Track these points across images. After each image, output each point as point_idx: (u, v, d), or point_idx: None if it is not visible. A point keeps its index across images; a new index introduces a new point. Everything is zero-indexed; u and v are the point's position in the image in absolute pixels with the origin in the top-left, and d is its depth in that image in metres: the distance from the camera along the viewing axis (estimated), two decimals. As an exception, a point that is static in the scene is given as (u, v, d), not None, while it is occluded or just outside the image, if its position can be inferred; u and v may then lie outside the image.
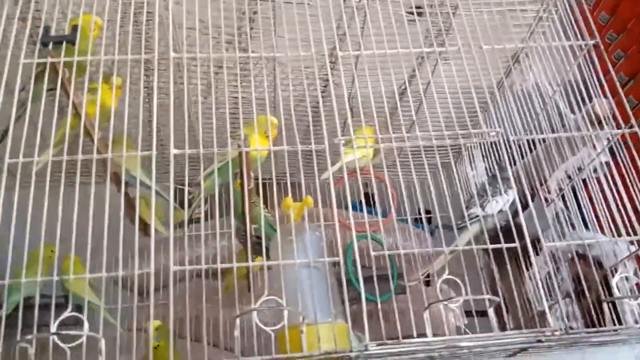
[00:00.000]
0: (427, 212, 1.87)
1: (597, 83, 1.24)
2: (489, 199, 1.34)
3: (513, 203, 1.34)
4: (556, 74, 1.34)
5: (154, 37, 1.17)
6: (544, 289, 1.01)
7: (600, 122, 1.25)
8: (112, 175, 1.24)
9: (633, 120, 1.13)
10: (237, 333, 0.91)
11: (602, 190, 1.26)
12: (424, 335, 0.94)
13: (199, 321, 1.17)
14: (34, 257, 1.15)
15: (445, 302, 0.96)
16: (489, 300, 0.97)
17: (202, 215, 1.02)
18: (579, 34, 1.25)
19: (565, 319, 1.06)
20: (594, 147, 1.28)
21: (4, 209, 0.97)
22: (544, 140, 1.45)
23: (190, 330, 1.34)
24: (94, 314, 1.31)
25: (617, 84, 1.19)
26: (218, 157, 1.09)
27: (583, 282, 1.16)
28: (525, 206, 1.08)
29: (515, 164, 1.13)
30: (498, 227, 1.07)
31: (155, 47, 1.05)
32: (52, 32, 1.12)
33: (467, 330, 1.63)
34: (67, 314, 0.93)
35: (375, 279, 1.00)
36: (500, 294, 1.05)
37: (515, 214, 1.08)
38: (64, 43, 1.08)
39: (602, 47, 1.22)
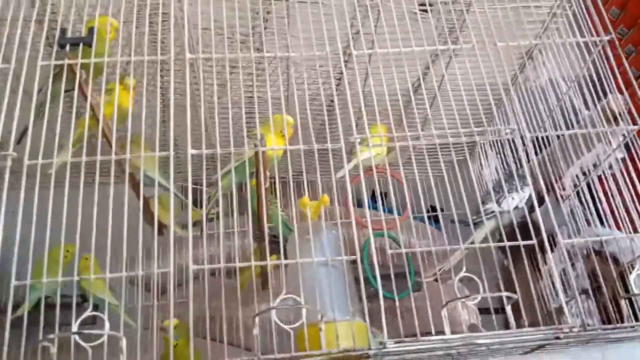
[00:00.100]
0: (438, 209, 1.87)
1: (612, 79, 1.24)
2: (505, 195, 1.34)
3: (529, 199, 1.33)
4: (570, 70, 1.34)
5: (168, 38, 1.17)
6: (562, 285, 1.01)
7: (615, 118, 1.25)
8: (128, 176, 1.25)
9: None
10: (256, 331, 0.92)
11: (618, 186, 1.26)
12: (440, 332, 0.94)
13: (214, 320, 1.17)
14: (51, 257, 1.16)
15: (463, 300, 0.96)
16: (507, 297, 0.97)
17: (221, 214, 1.03)
18: (592, 29, 1.25)
19: (583, 316, 1.05)
20: (610, 143, 1.27)
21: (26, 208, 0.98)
22: (558, 136, 1.45)
23: (208, 328, 1.34)
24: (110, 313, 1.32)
25: (633, 79, 1.19)
26: (234, 156, 1.09)
27: (600, 279, 1.16)
28: (540, 202, 1.08)
29: (529, 160, 1.13)
30: (514, 223, 1.07)
31: (172, 48, 1.06)
32: (69, 34, 1.12)
33: (481, 327, 1.62)
34: (87, 313, 0.93)
35: (392, 276, 1.00)
36: (517, 290, 1.04)
37: (531, 210, 1.08)
38: (81, 45, 1.09)
39: (617, 42, 1.22)
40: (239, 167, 1.17)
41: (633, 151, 1.21)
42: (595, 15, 1.25)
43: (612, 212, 1.24)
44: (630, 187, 1.20)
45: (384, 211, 1.85)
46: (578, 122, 1.35)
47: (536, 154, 1.40)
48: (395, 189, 1.58)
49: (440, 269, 1.24)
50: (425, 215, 1.14)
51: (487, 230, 1.16)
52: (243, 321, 1.58)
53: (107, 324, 0.91)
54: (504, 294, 0.97)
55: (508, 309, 0.97)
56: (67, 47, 1.09)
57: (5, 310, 0.94)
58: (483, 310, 1.65)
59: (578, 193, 1.47)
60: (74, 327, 0.90)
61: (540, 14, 1.38)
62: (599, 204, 1.39)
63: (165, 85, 1.42)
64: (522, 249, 1.01)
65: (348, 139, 1.09)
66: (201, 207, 1.33)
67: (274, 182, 1.21)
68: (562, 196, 1.47)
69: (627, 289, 1.19)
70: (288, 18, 1.25)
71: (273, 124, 1.16)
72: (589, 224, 1.42)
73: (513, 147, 1.14)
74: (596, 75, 1.27)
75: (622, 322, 1.24)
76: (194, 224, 1.67)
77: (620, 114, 1.22)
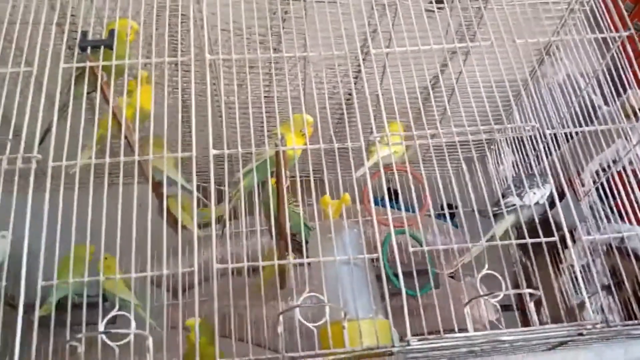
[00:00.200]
0: (459, 205, 1.87)
1: (631, 74, 1.23)
2: (526, 190, 1.34)
3: (549, 196, 1.33)
4: (588, 65, 1.33)
5: (187, 39, 1.18)
6: (583, 282, 1.00)
7: (635, 114, 1.24)
8: (148, 176, 1.26)
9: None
10: (280, 329, 0.93)
11: (638, 182, 1.25)
12: (461, 330, 0.94)
13: (232, 318, 1.18)
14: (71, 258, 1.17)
15: (486, 297, 0.96)
16: (530, 294, 0.97)
17: (243, 213, 1.03)
18: (611, 25, 1.24)
19: (605, 312, 1.05)
20: (630, 139, 1.27)
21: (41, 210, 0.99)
22: (576, 133, 1.44)
23: (227, 327, 1.35)
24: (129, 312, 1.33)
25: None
26: (255, 155, 1.10)
27: (623, 275, 1.15)
28: (561, 198, 1.08)
29: (551, 154, 1.13)
30: (535, 218, 1.07)
31: (192, 49, 1.06)
32: (89, 37, 1.13)
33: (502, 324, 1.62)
34: (114, 312, 0.94)
35: (415, 274, 1.00)
36: (540, 287, 1.04)
37: (551, 205, 1.08)
38: (102, 47, 1.10)
39: (636, 38, 1.21)
40: (260, 166, 1.18)
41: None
42: (613, 11, 1.25)
43: (633, 207, 1.24)
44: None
45: (399, 209, 1.85)
46: (597, 117, 1.34)
47: (556, 149, 1.39)
48: (405, 186, 1.58)
49: (460, 262, 1.23)
50: (447, 212, 1.14)
51: (508, 225, 1.15)
52: (261, 319, 1.59)
53: (133, 323, 0.92)
54: (527, 290, 0.97)
55: (531, 305, 0.97)
56: (89, 50, 1.10)
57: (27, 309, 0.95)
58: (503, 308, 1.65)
59: (597, 189, 1.47)
60: (101, 327, 0.91)
61: (558, 10, 1.37)
62: (618, 200, 1.38)
63: (183, 86, 1.42)
64: (544, 246, 1.01)
65: (367, 138, 1.10)
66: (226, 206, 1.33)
67: (295, 181, 1.21)
68: (581, 192, 1.47)
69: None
70: (306, 18, 1.26)
71: (293, 123, 1.17)
72: (609, 220, 1.41)
73: (533, 144, 1.13)
74: (615, 70, 1.26)
75: (644, 318, 1.24)
76: (209, 224, 1.68)
77: (640, 110, 1.22)
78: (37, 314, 0.92)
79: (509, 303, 1.14)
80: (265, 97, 1.47)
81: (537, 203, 1.34)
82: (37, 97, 1.08)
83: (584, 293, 1.00)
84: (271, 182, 1.21)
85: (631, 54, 1.20)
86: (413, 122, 1.14)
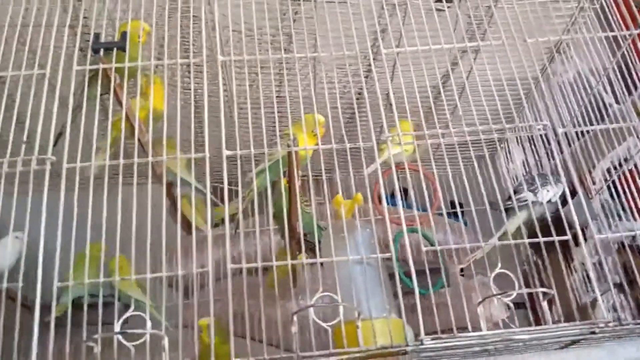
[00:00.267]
0: (471, 202, 1.86)
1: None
2: (538, 187, 1.34)
3: (562, 195, 1.33)
4: (599, 63, 1.33)
5: (198, 40, 1.19)
6: (596, 279, 1.01)
7: (647, 112, 1.24)
8: (159, 177, 1.27)
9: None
10: (294, 329, 0.93)
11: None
12: (467, 329, 0.94)
13: (244, 317, 1.19)
14: (83, 258, 1.18)
15: (499, 296, 0.96)
16: (543, 293, 0.97)
17: (256, 212, 1.04)
18: (621, 23, 1.24)
19: (618, 310, 1.05)
20: (640, 137, 1.26)
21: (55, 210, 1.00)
22: (587, 131, 1.44)
23: (239, 326, 1.36)
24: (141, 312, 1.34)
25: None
26: (267, 156, 1.10)
27: (635, 272, 1.15)
28: (573, 195, 1.08)
29: (562, 152, 1.13)
30: (548, 216, 1.07)
31: (204, 51, 1.07)
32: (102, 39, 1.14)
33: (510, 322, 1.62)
34: (130, 312, 0.95)
35: (427, 272, 1.01)
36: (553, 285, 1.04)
37: (563, 203, 1.08)
38: (115, 49, 1.10)
39: (646, 35, 1.21)
40: (272, 166, 1.18)
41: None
42: (624, 8, 1.25)
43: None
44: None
45: (409, 207, 1.85)
46: (608, 115, 1.34)
47: (568, 147, 1.39)
48: (415, 185, 1.58)
49: (472, 257, 1.23)
50: (459, 210, 1.14)
51: (520, 222, 1.15)
52: (273, 318, 1.60)
53: (148, 323, 0.93)
54: (540, 290, 0.97)
55: (544, 304, 0.97)
56: (101, 52, 1.11)
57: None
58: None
59: (609, 187, 1.46)
60: (117, 327, 0.92)
61: (568, 8, 1.37)
62: (630, 198, 1.38)
63: (194, 87, 1.43)
64: (557, 244, 1.01)
65: (378, 136, 1.10)
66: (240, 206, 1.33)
67: (307, 181, 1.22)
68: (592, 190, 1.47)
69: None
70: (316, 18, 1.26)
71: (305, 124, 1.17)
72: (620, 217, 1.41)
73: (544, 142, 1.13)
74: (626, 68, 1.26)
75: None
76: (218, 224, 1.69)
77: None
78: (53, 314, 0.93)
79: (520, 301, 1.14)
80: (277, 97, 1.48)
81: (549, 201, 1.34)
82: (50, 99, 1.09)
83: (597, 291, 1.00)
84: (283, 182, 1.22)
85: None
86: (424, 120, 1.15)
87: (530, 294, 1.40)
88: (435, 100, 1.51)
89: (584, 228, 1.06)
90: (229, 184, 1.11)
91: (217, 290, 1.06)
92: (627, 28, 1.22)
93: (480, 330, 0.93)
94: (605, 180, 1.48)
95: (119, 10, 1.16)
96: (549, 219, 1.05)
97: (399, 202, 1.04)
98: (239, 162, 1.01)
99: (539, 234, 1.02)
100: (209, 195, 0.99)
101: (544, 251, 1.01)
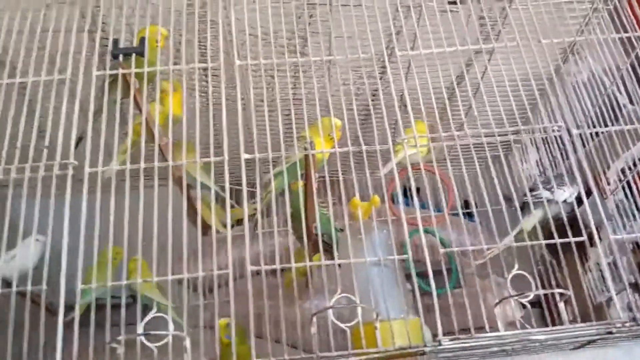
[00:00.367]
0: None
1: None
2: (554, 187, 1.34)
3: (577, 196, 1.34)
4: (613, 64, 1.33)
5: (214, 45, 1.20)
6: (612, 279, 1.01)
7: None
8: (177, 179, 1.28)
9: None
10: (313, 330, 0.94)
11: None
12: (482, 329, 0.95)
13: (262, 318, 1.20)
14: (103, 260, 1.19)
15: (516, 297, 0.97)
16: (560, 294, 0.98)
17: (274, 214, 1.05)
18: (635, 23, 1.24)
19: (633, 310, 1.05)
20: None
21: (76, 214, 1.01)
22: (602, 132, 1.44)
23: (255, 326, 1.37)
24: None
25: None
26: (284, 158, 1.12)
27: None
28: (588, 195, 1.09)
29: (576, 152, 1.13)
30: (564, 216, 1.08)
31: (221, 56, 1.08)
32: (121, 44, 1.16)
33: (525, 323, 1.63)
34: (152, 314, 0.96)
35: (445, 273, 1.02)
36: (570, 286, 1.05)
37: (579, 203, 1.09)
38: (134, 55, 1.12)
39: (661, 36, 1.21)
40: (290, 168, 1.20)
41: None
42: (637, 9, 1.25)
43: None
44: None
45: (423, 207, 1.86)
46: (622, 116, 1.34)
47: (582, 147, 1.39)
48: (427, 185, 1.59)
49: (488, 255, 1.24)
50: (475, 210, 1.15)
51: (536, 221, 1.16)
52: (289, 319, 1.61)
53: (171, 325, 0.94)
54: (557, 290, 0.98)
55: (561, 305, 0.98)
56: (120, 57, 1.13)
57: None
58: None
59: (623, 187, 1.46)
60: (139, 329, 0.93)
61: (582, 9, 1.37)
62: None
63: (208, 90, 1.44)
64: (573, 244, 1.02)
65: (393, 137, 1.11)
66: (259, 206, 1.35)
67: (324, 183, 1.23)
68: (607, 190, 1.47)
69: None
70: (332, 21, 1.27)
71: (322, 127, 1.18)
72: (634, 217, 1.41)
73: (558, 143, 1.13)
74: (640, 69, 1.26)
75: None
76: (238, 223, 1.70)
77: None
78: (77, 317, 0.95)
79: (534, 300, 1.14)
80: (293, 100, 1.49)
81: (564, 201, 1.34)
82: (70, 104, 1.10)
83: (612, 291, 1.01)
84: (299, 184, 1.23)
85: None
86: (435, 122, 1.15)
87: (545, 294, 1.40)
88: (449, 99, 1.51)
89: (599, 228, 1.07)
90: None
91: (234, 291, 1.07)
92: (641, 28, 1.23)
93: (497, 330, 0.94)
94: (620, 180, 1.49)
95: (137, 16, 1.17)
96: (565, 219, 1.06)
97: (416, 202, 1.05)
98: (257, 165, 1.02)
99: (555, 234, 1.02)
100: (228, 198, 1.00)
101: (560, 252, 1.01)
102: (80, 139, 1.16)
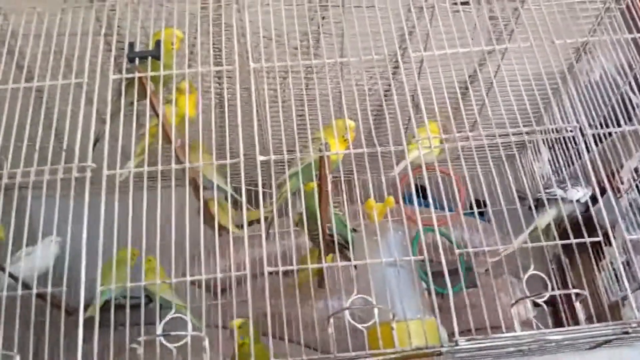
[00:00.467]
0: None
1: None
2: (568, 186, 1.35)
3: (591, 195, 1.34)
4: (625, 64, 1.33)
5: (229, 48, 1.21)
6: (627, 278, 1.01)
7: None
8: (191, 181, 1.30)
9: None
10: (330, 330, 0.95)
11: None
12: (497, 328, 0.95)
13: (275, 318, 1.21)
14: (120, 260, 1.21)
15: (532, 298, 0.97)
16: (576, 294, 0.98)
17: (291, 214, 1.06)
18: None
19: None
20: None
21: (96, 215, 1.02)
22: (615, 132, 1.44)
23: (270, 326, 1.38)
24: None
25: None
26: (299, 160, 1.12)
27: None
28: (602, 194, 1.09)
29: (589, 152, 1.13)
30: (578, 215, 1.08)
31: (236, 59, 1.09)
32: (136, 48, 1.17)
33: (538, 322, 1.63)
34: (170, 315, 0.97)
35: (462, 272, 1.02)
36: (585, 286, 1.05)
37: (593, 203, 1.09)
38: (149, 58, 1.13)
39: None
40: (304, 169, 1.20)
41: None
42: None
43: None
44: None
45: (435, 207, 1.86)
46: (635, 115, 1.34)
47: (596, 146, 1.39)
48: (440, 184, 1.59)
49: (503, 252, 1.24)
50: (490, 209, 1.15)
51: (550, 219, 1.16)
52: (304, 319, 1.62)
53: (189, 325, 0.95)
54: (573, 290, 0.98)
55: (577, 305, 0.98)
56: (136, 61, 1.14)
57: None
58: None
59: (637, 186, 1.46)
60: (159, 329, 0.94)
61: (594, 9, 1.37)
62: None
63: (222, 93, 1.45)
64: (588, 244, 1.02)
65: (406, 136, 1.11)
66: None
67: (340, 183, 1.24)
68: (619, 190, 1.47)
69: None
70: (344, 22, 1.28)
71: (336, 129, 1.19)
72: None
73: (571, 143, 1.14)
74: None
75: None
76: (249, 224, 1.71)
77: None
78: (97, 317, 0.96)
79: (547, 300, 1.14)
80: (305, 101, 1.49)
81: (578, 200, 1.34)
82: (87, 107, 1.11)
83: (628, 290, 1.01)
84: (312, 185, 1.24)
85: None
86: (448, 122, 1.16)
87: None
88: (462, 99, 1.51)
89: (613, 227, 1.07)
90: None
91: (246, 291, 1.08)
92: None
93: (513, 330, 0.94)
94: (634, 179, 1.48)
95: (152, 19, 1.18)
96: (579, 218, 1.06)
97: (431, 203, 1.06)
98: (272, 167, 1.02)
99: (570, 234, 1.02)
100: (244, 200, 1.01)
101: (575, 251, 1.01)
102: (96, 141, 1.17)
